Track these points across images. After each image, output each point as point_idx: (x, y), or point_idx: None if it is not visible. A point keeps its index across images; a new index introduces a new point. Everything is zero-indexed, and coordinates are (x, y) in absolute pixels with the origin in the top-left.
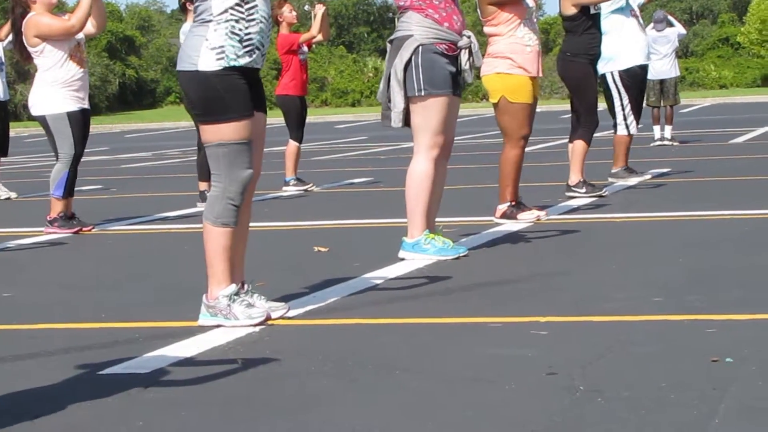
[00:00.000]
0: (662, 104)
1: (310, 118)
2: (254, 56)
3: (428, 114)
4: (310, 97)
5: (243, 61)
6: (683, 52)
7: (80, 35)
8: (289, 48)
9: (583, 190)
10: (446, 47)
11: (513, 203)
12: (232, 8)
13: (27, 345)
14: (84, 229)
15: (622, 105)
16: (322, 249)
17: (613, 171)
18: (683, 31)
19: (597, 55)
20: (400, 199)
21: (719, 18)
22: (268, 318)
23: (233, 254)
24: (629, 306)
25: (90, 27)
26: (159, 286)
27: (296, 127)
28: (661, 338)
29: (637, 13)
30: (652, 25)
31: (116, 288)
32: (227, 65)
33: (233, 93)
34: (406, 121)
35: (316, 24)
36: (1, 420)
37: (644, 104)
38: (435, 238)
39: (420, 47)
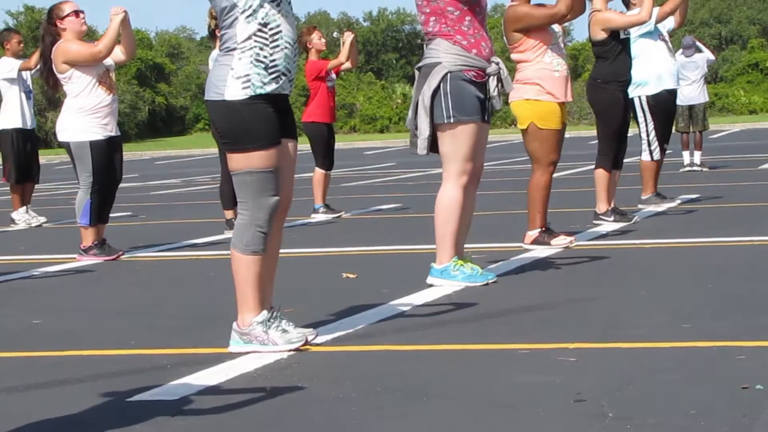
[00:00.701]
0: (691, 130)
1: (338, 145)
2: (281, 82)
3: (457, 141)
4: (339, 123)
5: (269, 88)
6: (713, 78)
7: (109, 62)
8: (317, 74)
9: (611, 218)
10: (474, 74)
11: (543, 229)
12: (255, 34)
13: (55, 372)
14: (109, 257)
15: (647, 130)
16: (351, 275)
17: (643, 198)
18: (712, 57)
19: (628, 82)
20: (428, 225)
21: (749, 43)
22: (306, 342)
23: (264, 281)
24: (658, 332)
25: (120, 54)
26: (187, 313)
27: (323, 154)
28: (690, 365)
29: (666, 37)
30: (681, 50)
31: (144, 315)
32: (253, 93)
33: (260, 121)
34: (433, 147)
35: (344, 51)
36: None
37: (673, 130)
38: (464, 264)
39: (448, 74)
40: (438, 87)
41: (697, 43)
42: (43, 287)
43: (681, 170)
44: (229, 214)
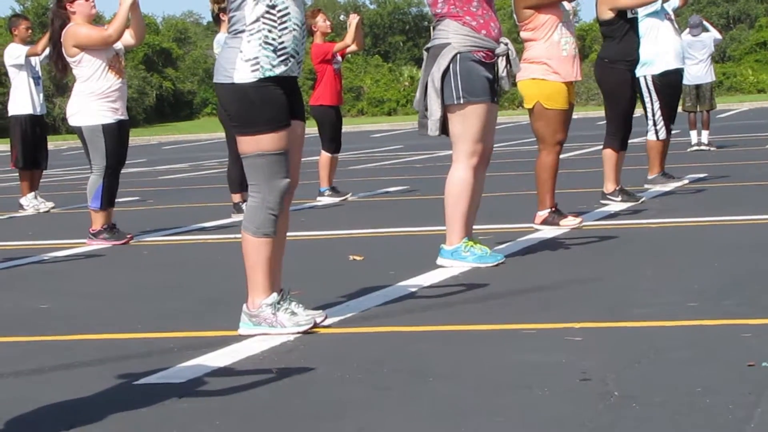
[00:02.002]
0: (698, 109)
1: (346, 128)
2: (290, 65)
3: (467, 122)
4: (346, 106)
5: (278, 70)
6: (720, 57)
7: (119, 46)
8: (324, 57)
9: (619, 198)
10: (484, 55)
11: (553, 209)
12: (263, 16)
13: (63, 356)
14: (118, 242)
15: (652, 110)
16: (358, 257)
17: (649, 177)
18: (719, 36)
19: (636, 61)
20: (435, 207)
21: (757, 22)
22: (315, 325)
23: (273, 263)
24: (664, 311)
25: (129, 38)
26: (194, 296)
27: (330, 137)
28: (696, 343)
29: (672, 16)
30: (687, 30)
31: (152, 298)
32: (263, 76)
33: (270, 104)
34: (443, 129)
35: (350, 33)
36: (37, 430)
37: (680, 109)
38: (474, 245)
39: (458, 55)
40: (447, 68)
41: (704, 23)
42: (52, 272)
43: (688, 150)
44: (236, 197)
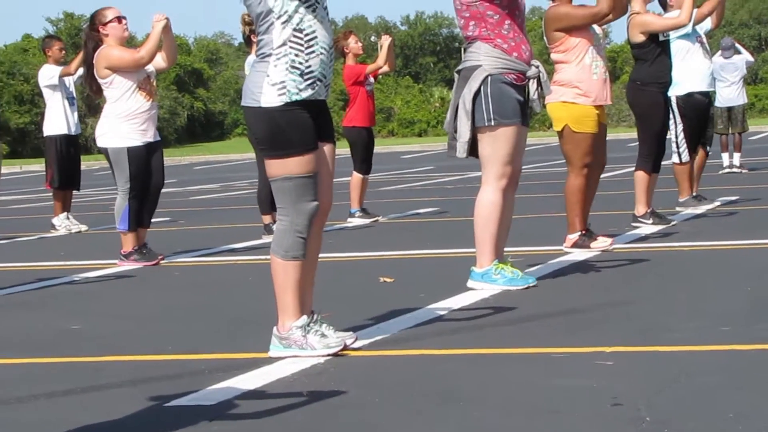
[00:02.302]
0: (730, 131)
1: (376, 149)
2: (317, 88)
3: (497, 144)
4: (377, 127)
5: (305, 94)
6: (752, 79)
7: (151, 68)
8: (356, 79)
9: (650, 221)
10: (515, 77)
11: (584, 232)
12: (290, 40)
13: (93, 377)
14: (149, 263)
15: (675, 132)
16: (388, 279)
17: (680, 200)
18: (751, 58)
19: (668, 83)
20: (466, 229)
21: None
22: (345, 347)
23: (303, 286)
24: (696, 336)
25: (161, 61)
26: (225, 318)
27: (362, 158)
28: (728, 368)
29: (704, 39)
30: (720, 52)
31: (182, 320)
32: (289, 100)
33: (297, 127)
34: (472, 151)
35: (382, 55)
36: None
37: (713, 132)
38: (504, 268)
39: (489, 77)
40: (479, 90)
41: (736, 45)
42: (83, 292)
43: (720, 172)
44: (266, 219)
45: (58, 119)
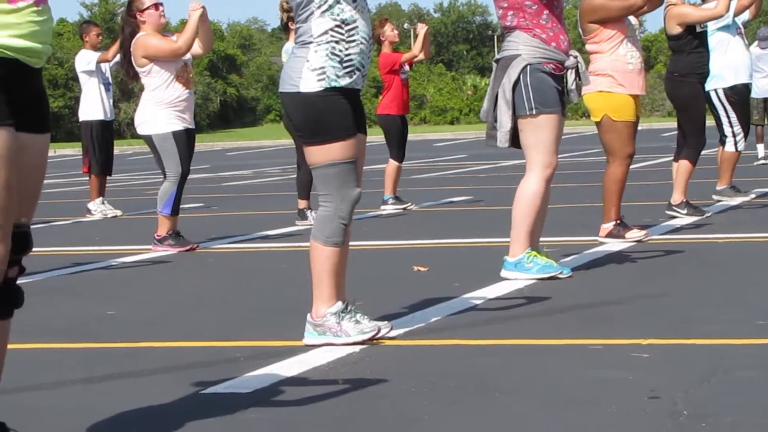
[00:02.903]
0: (766, 122)
1: (408, 136)
2: (354, 77)
3: (540, 132)
4: (409, 115)
5: (344, 81)
6: None
7: (187, 56)
8: (392, 68)
9: (685, 210)
10: (554, 67)
11: (618, 222)
12: (332, 29)
13: (129, 363)
14: (183, 248)
15: (730, 122)
16: (422, 268)
17: (718, 188)
18: None
19: (706, 74)
20: (500, 218)
21: None
22: (379, 334)
23: (339, 273)
24: (733, 329)
25: (197, 48)
26: (259, 305)
27: (397, 146)
28: (766, 362)
29: (742, 31)
30: (756, 42)
31: (217, 306)
32: (328, 86)
33: (336, 113)
34: (513, 141)
35: (418, 43)
36: None
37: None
38: (537, 256)
39: (528, 66)
40: (518, 79)
41: None
42: (119, 278)
43: (755, 163)
44: (302, 203)
45: (94, 104)
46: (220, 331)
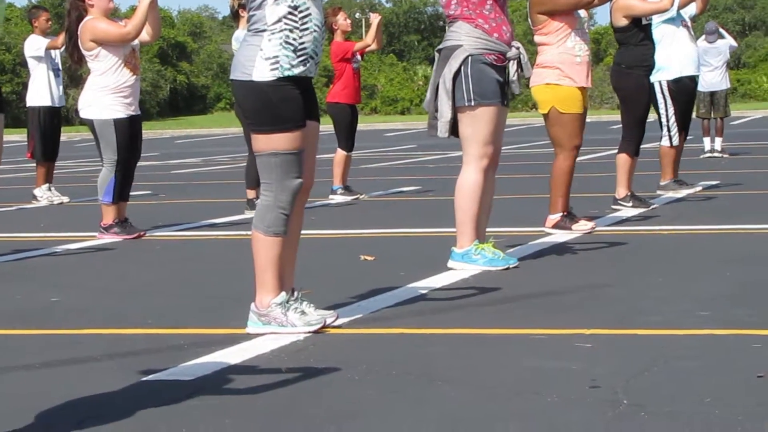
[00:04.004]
0: (712, 116)
1: (359, 126)
2: (308, 65)
3: (477, 124)
4: (360, 104)
5: (297, 70)
6: (735, 64)
7: (135, 42)
8: (343, 56)
9: (630, 203)
10: (495, 58)
11: (565, 214)
12: (285, 17)
13: (72, 350)
14: (130, 236)
15: (667, 116)
16: (369, 258)
17: (661, 183)
18: (734, 43)
19: (652, 67)
20: (448, 209)
21: None
22: (325, 325)
23: (283, 263)
24: (675, 320)
25: (145, 35)
26: (205, 293)
27: (346, 135)
28: (707, 353)
29: (688, 23)
30: (703, 36)
31: (162, 294)
32: (281, 75)
33: (287, 103)
34: (453, 131)
35: (371, 33)
36: (44, 426)
37: (694, 116)
38: (485, 248)
39: (469, 57)
40: (459, 70)
41: (720, 30)
42: (63, 265)
43: (701, 156)
44: (250, 193)
45: (42, 90)
46: (164, 319)
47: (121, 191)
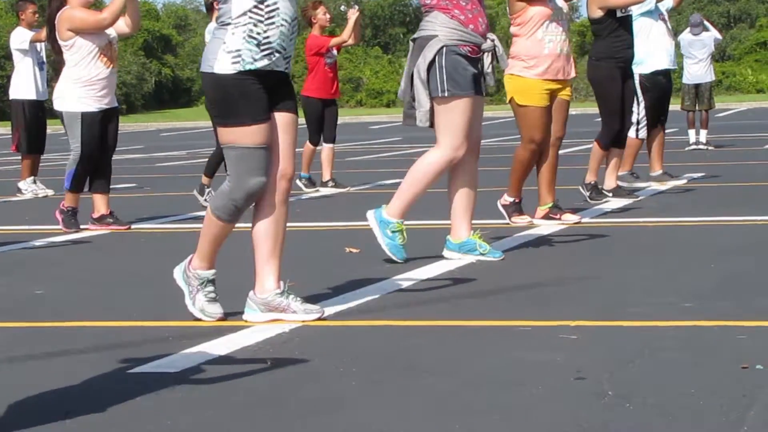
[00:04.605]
0: (697, 108)
1: (344, 119)
2: (273, 59)
3: (451, 114)
4: (345, 97)
5: (260, 64)
6: (720, 56)
7: (112, 33)
8: (317, 50)
9: (588, 193)
10: (470, 49)
11: (517, 201)
12: (250, 11)
13: (57, 342)
14: (121, 228)
15: (638, 109)
16: (354, 250)
17: (619, 173)
18: (719, 36)
19: (625, 59)
20: (434, 201)
21: (757, 22)
22: (323, 316)
23: (220, 243)
24: (659, 311)
25: (124, 26)
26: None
27: (314, 129)
28: (691, 344)
29: (666, 17)
30: (688, 29)
31: (148, 286)
32: (243, 69)
33: (246, 98)
34: (432, 121)
35: (347, 29)
36: (30, 418)
37: (679, 108)
38: (479, 240)
39: (444, 48)
40: (433, 60)
41: (705, 22)
42: (47, 257)
43: (686, 149)
44: (205, 179)
45: (26, 83)
46: (149, 311)
47: (92, 183)
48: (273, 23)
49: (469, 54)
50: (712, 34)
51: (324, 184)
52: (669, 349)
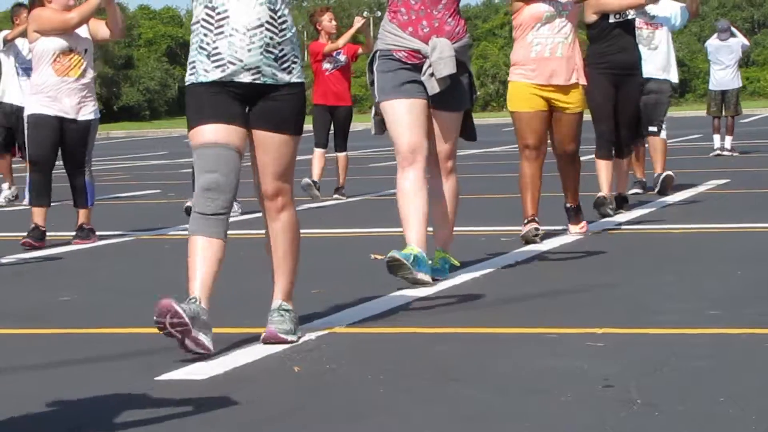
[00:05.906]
0: (723, 114)
1: (362, 125)
2: (228, 71)
3: (387, 121)
4: (368, 103)
5: (213, 76)
6: (744, 62)
7: (85, 44)
8: (315, 57)
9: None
10: (405, 54)
11: (531, 220)
12: (203, 19)
13: (84, 349)
14: (86, 241)
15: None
16: (379, 256)
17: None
18: (746, 42)
19: (614, 64)
20: (461, 207)
21: None
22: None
23: (202, 266)
24: (686, 319)
25: (105, 32)
26: (216, 292)
27: (321, 135)
28: (719, 352)
29: (643, 25)
30: (716, 34)
31: (174, 293)
32: (195, 81)
33: (200, 102)
34: (382, 128)
35: (344, 36)
36: (58, 424)
37: (705, 113)
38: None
39: (377, 53)
40: (371, 66)
41: (732, 28)
42: (73, 264)
43: (711, 155)
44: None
45: (10, 87)
46: None
47: (43, 193)
48: (222, 33)
49: (404, 59)
50: (740, 40)
51: (336, 191)
52: (697, 356)
